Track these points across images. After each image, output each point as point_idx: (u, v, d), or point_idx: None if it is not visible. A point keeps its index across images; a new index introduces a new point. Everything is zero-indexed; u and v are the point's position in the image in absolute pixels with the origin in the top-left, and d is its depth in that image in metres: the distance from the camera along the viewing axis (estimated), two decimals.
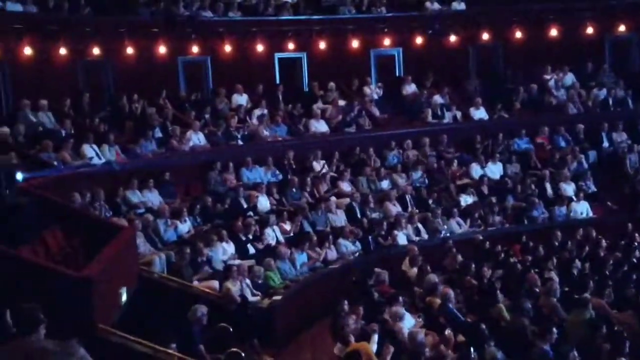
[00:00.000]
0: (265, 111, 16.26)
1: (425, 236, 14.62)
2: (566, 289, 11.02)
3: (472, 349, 8.33)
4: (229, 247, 12.37)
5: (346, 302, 10.24)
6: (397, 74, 19.05)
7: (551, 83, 18.68)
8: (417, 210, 15.12)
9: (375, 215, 14.83)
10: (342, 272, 12.89)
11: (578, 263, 12.49)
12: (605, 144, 17.69)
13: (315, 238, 13.29)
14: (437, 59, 18.75)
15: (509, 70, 19.19)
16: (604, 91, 18.54)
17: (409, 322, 9.70)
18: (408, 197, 15.50)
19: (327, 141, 16.26)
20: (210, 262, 11.78)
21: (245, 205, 13.76)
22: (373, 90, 18.06)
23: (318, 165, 15.58)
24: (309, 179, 15.05)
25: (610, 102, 18.36)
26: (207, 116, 15.77)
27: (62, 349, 4.19)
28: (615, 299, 10.64)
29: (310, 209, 14.23)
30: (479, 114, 17.87)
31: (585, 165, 17.15)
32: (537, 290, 10.78)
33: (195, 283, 11.18)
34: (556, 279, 11.26)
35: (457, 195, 15.86)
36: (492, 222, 15.29)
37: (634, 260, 12.65)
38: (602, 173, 17.14)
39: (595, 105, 18.42)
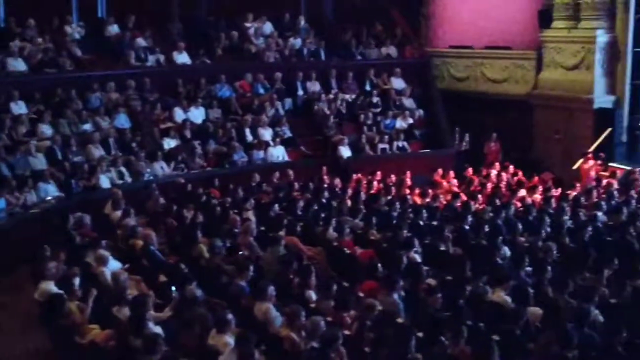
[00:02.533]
0: None
1: (129, 179, 14.70)
2: (262, 228, 11.78)
3: (173, 288, 8.70)
4: None
5: (47, 246, 10.09)
6: (100, 15, 18.57)
7: (251, 31, 19.41)
8: (120, 154, 15.12)
9: (77, 158, 14.58)
10: (43, 216, 12.62)
11: (275, 205, 13.32)
12: (300, 92, 18.89)
13: (14, 182, 12.80)
14: (140, 1, 18.56)
15: (211, 16, 19.57)
16: (299, 41, 19.69)
17: (113, 265, 9.82)
18: (111, 140, 15.42)
19: (26, 81, 15.53)
20: None
21: None
22: (74, 30, 17.47)
23: (16, 107, 14.87)
24: (7, 121, 14.34)
25: (305, 52, 19.56)
26: None
27: None
28: (307, 236, 11.57)
29: (8, 153, 13.62)
30: (182, 58, 18.10)
31: (282, 112, 18.21)
32: (237, 230, 11.38)
33: None
34: (253, 219, 11.97)
35: (160, 139, 16.07)
36: (194, 165, 15.77)
37: (323, 200, 13.79)
38: (296, 119, 18.32)
39: (291, 55, 19.49)
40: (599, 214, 12.27)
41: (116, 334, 7.58)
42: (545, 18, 18.52)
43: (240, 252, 10.32)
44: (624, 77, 17.41)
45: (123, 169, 14.73)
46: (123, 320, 7.91)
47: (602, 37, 17.42)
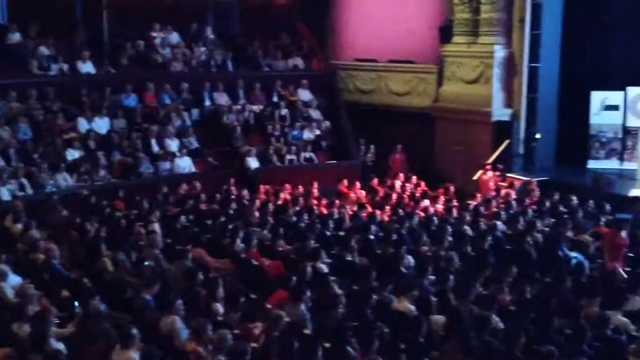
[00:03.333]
0: None
1: (30, 191, 14.31)
2: (169, 240, 11.68)
3: (76, 304, 8.53)
4: None
5: None
6: (1, 21, 18.05)
7: (157, 41, 19.23)
8: (21, 165, 14.71)
9: None
10: None
11: (182, 217, 13.22)
12: (207, 102, 18.82)
13: None
14: (44, 8, 18.12)
15: (117, 26, 19.28)
16: (206, 52, 19.62)
17: (13, 281, 9.55)
18: (12, 151, 14.98)
19: None
20: None
21: None
22: None
23: None
24: None
25: (212, 63, 19.50)
26: None
27: None
28: (214, 248, 11.54)
29: None
30: (86, 67, 17.76)
31: (189, 123, 18.09)
32: (142, 243, 11.25)
33: None
34: (159, 231, 11.85)
35: (63, 150, 15.72)
36: (98, 176, 15.49)
37: (231, 212, 13.79)
38: (204, 130, 18.24)
39: (198, 65, 19.41)
40: (498, 223, 12.71)
41: (16, 352, 7.37)
42: (445, 33, 19.08)
43: (146, 264, 10.22)
44: (520, 91, 18.06)
45: (24, 181, 14.33)
46: (23, 338, 7.71)
47: (499, 53, 18.06)
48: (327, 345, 7.40)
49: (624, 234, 10.99)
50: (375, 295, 8.89)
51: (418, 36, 19.67)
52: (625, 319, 8.42)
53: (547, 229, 12.41)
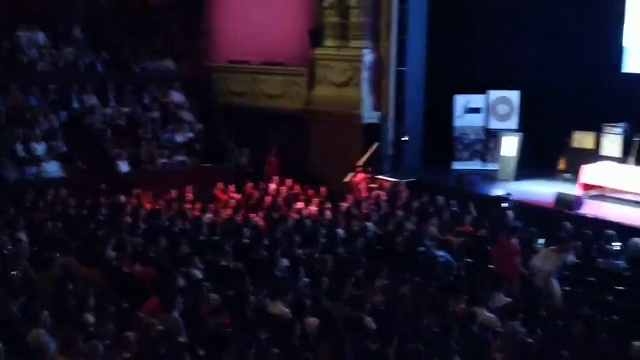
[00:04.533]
0: None
1: None
2: (36, 248, 11.32)
3: None
4: None
5: None
6: None
7: (23, 41, 18.53)
8: None
9: None
10: None
11: (49, 223, 12.83)
12: (76, 104, 18.29)
13: None
14: None
15: None
16: (74, 53, 19.06)
17: None
18: None
19: None
20: None
21: None
22: None
23: None
24: None
25: (80, 64, 18.97)
26: None
27: None
28: (84, 255, 11.25)
29: None
30: None
31: (57, 125, 17.54)
32: (7, 252, 10.85)
33: None
34: (26, 239, 11.46)
35: None
36: None
37: (101, 217, 13.49)
38: (72, 133, 17.72)
39: (65, 66, 18.83)
40: (369, 224, 13.06)
41: None
42: (316, 37, 19.37)
43: (12, 273, 9.87)
44: (388, 95, 18.58)
45: None
46: None
47: (368, 57, 18.52)
48: (202, 352, 7.40)
49: (514, 240, 11.31)
50: (250, 299, 8.95)
51: (290, 39, 19.87)
52: (491, 315, 8.87)
53: (415, 229, 12.83)
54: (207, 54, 21.17)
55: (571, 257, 11.16)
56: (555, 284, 10.38)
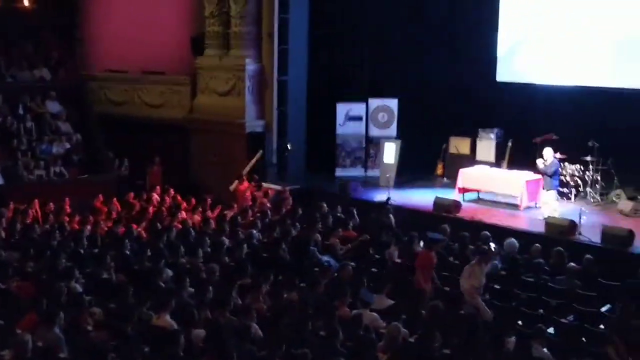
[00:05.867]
0: None
1: None
2: None
3: None
4: None
5: None
6: None
7: None
8: None
9: None
10: None
11: None
12: None
13: None
14: None
15: None
16: None
17: None
18: None
19: None
20: None
21: None
22: None
23: None
24: None
25: None
26: None
27: None
28: None
29: None
30: None
31: None
32: None
33: None
34: None
35: None
36: None
37: None
38: None
39: None
40: (254, 232, 13.06)
41: None
42: (197, 45, 19.26)
43: None
44: (271, 103, 18.67)
45: None
46: None
47: (250, 66, 18.57)
48: None
49: (433, 253, 11.26)
50: (134, 312, 8.77)
51: (171, 48, 19.67)
52: (374, 314, 9.05)
53: (300, 235, 12.93)
54: (83, 63, 20.64)
55: (495, 265, 11.30)
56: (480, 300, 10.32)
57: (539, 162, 15.14)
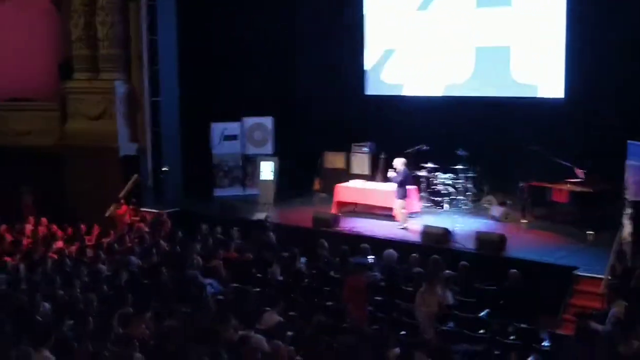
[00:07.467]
0: None
1: None
2: None
3: None
4: None
5: None
6: None
7: None
8: None
9: None
10: None
11: None
12: None
13: None
14: None
15: None
16: None
17: None
18: None
19: None
20: None
21: None
22: None
23: None
24: None
25: None
26: None
27: None
28: None
29: None
30: None
31: None
32: None
33: None
34: None
35: None
36: None
37: None
38: None
39: None
40: (133, 258, 12.83)
41: None
42: (65, 70, 18.81)
43: None
44: (144, 125, 18.43)
45: None
46: None
47: (120, 88, 18.32)
48: None
49: (364, 278, 11.03)
50: (11, 350, 8.47)
51: (38, 73, 19.12)
52: (261, 337, 9.08)
53: (180, 258, 12.81)
54: None
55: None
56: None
57: (390, 172, 15.08)
